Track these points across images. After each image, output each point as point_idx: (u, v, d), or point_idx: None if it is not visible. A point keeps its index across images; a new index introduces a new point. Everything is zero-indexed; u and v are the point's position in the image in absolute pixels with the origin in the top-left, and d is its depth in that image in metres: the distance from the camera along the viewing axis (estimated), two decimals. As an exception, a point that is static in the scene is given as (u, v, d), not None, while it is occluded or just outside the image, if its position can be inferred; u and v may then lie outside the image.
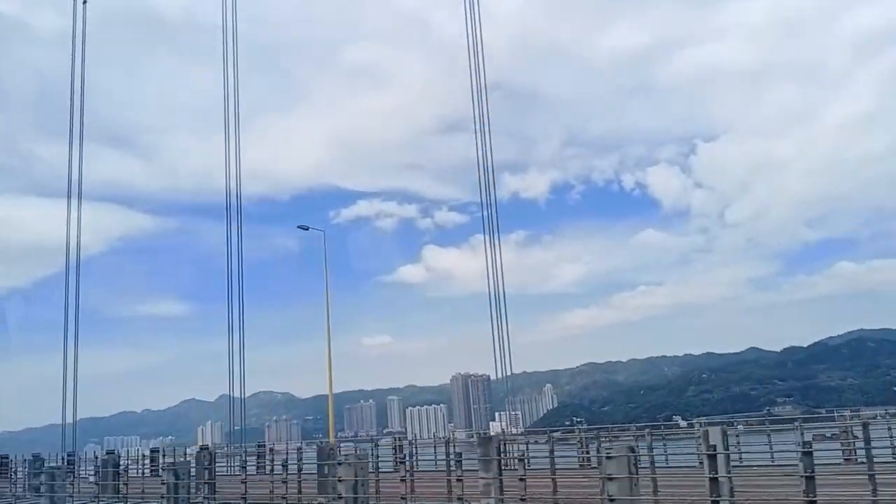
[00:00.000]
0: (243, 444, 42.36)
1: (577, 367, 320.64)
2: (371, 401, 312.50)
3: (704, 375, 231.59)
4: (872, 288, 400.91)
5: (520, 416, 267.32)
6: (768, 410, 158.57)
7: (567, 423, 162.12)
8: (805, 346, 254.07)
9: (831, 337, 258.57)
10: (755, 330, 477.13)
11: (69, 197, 31.79)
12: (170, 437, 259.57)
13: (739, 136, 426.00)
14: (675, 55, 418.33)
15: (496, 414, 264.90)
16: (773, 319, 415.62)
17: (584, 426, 50.31)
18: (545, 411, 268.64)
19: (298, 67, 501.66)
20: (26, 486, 28.69)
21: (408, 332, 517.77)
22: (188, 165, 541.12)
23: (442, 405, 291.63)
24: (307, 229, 42.56)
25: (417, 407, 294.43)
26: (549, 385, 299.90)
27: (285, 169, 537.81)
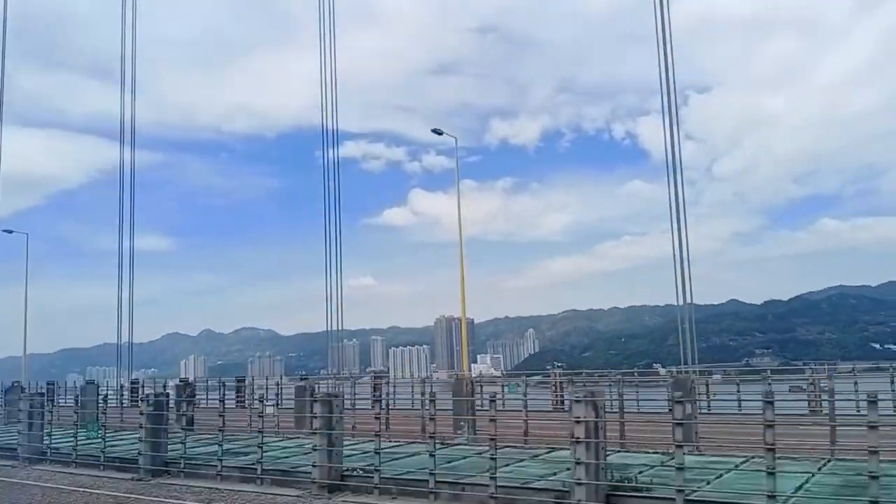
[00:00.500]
0: (221, 379, 41.63)
1: (560, 313, 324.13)
2: (354, 340, 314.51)
3: (685, 326, 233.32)
4: (854, 245, 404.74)
5: (501, 359, 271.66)
6: (747, 361, 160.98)
7: (548, 367, 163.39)
8: (785, 300, 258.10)
9: (811, 292, 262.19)
10: (737, 283, 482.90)
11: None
12: (152, 370, 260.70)
13: (733, 88, 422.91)
14: (673, 3, 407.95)
15: (478, 356, 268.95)
16: (755, 273, 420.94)
17: (562, 370, 50.18)
18: (527, 355, 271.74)
19: (288, 2, 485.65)
20: (5, 414, 28.10)
21: (391, 275, 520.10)
22: (174, 99, 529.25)
23: (425, 346, 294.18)
24: (441, 134, 39.84)
25: (400, 347, 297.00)
26: (531, 330, 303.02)
27: (273, 106, 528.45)
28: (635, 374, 40.30)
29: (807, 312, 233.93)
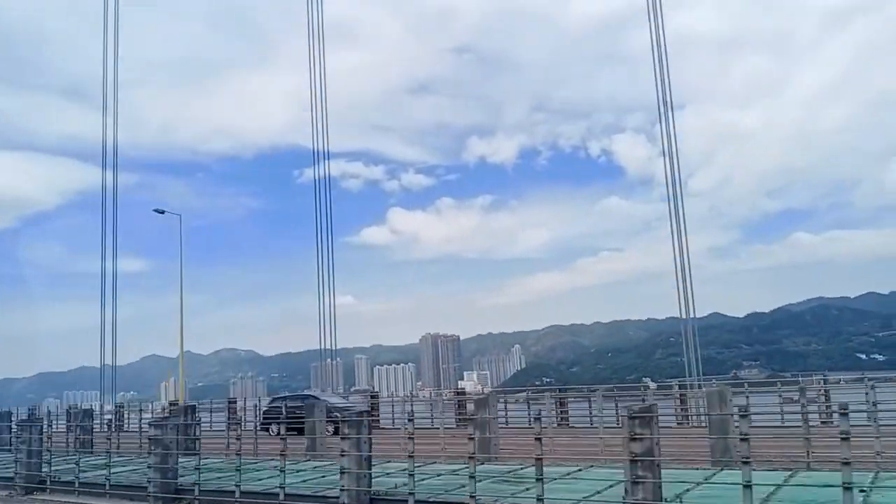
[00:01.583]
0: (210, 400, 40.14)
1: (543, 329, 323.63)
2: (339, 359, 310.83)
3: (672, 339, 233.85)
4: (829, 258, 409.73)
5: (488, 375, 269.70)
6: (735, 373, 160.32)
7: (537, 382, 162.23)
8: (766, 311, 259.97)
9: (791, 304, 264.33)
10: (716, 296, 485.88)
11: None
12: (132, 393, 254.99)
13: (706, 105, 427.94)
14: (646, 22, 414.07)
15: (464, 373, 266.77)
16: (732, 286, 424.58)
17: (551, 386, 49.87)
18: (515, 371, 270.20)
19: (266, 22, 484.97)
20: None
21: (371, 294, 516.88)
22: (150, 120, 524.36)
23: (410, 364, 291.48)
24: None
25: (385, 366, 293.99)
26: (517, 346, 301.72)
27: (251, 126, 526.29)
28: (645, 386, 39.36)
29: (791, 324, 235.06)
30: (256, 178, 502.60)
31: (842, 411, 8.85)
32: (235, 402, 41.61)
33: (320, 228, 25.38)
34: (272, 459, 14.52)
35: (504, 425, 26.32)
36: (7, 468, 19.02)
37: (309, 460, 18.20)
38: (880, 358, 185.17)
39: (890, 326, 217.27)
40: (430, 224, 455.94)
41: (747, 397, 23.48)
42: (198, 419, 23.74)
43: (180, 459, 15.55)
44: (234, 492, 13.93)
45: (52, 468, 17.73)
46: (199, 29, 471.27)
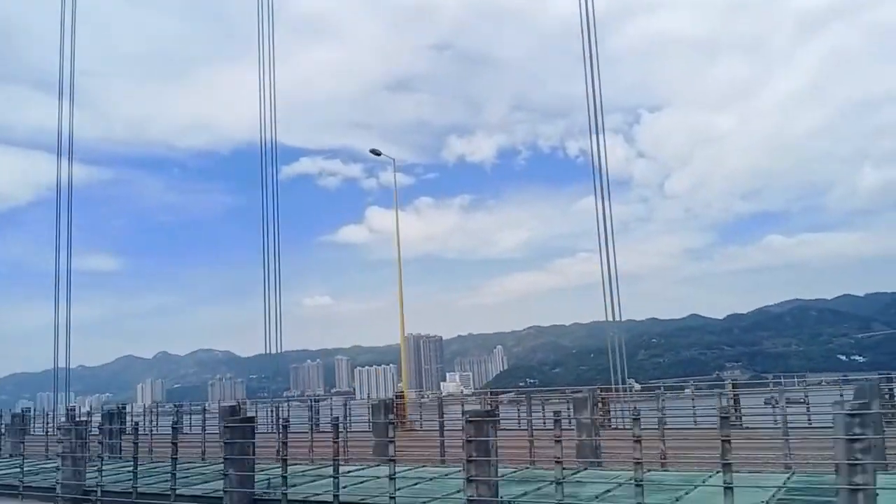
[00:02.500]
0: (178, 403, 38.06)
1: (523, 330, 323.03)
2: (318, 360, 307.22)
3: (654, 340, 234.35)
4: (802, 260, 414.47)
5: (470, 376, 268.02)
6: (717, 375, 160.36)
7: (521, 384, 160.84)
8: (744, 313, 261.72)
9: (768, 306, 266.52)
10: (693, 298, 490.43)
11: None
12: (106, 395, 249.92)
13: (683, 107, 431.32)
14: (625, 23, 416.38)
15: (447, 374, 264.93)
16: (709, 288, 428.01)
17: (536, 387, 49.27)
18: (498, 372, 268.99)
19: (244, 17, 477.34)
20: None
21: (349, 294, 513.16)
22: (124, 114, 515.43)
23: (391, 365, 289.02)
24: (379, 154, 39.35)
25: (366, 367, 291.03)
26: (499, 346, 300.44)
27: (227, 121, 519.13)
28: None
29: (771, 325, 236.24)
30: (232, 174, 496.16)
31: (634, 416, 9.66)
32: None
33: (267, 228, 24.35)
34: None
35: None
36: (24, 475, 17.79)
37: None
38: (860, 359, 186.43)
39: (869, 328, 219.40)
40: (408, 223, 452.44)
41: (720, 399, 23.31)
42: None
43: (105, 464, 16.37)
44: (131, 493, 14.94)
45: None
46: (174, 23, 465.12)
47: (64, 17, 28.36)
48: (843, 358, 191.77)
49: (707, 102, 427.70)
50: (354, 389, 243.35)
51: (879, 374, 27.86)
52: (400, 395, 38.19)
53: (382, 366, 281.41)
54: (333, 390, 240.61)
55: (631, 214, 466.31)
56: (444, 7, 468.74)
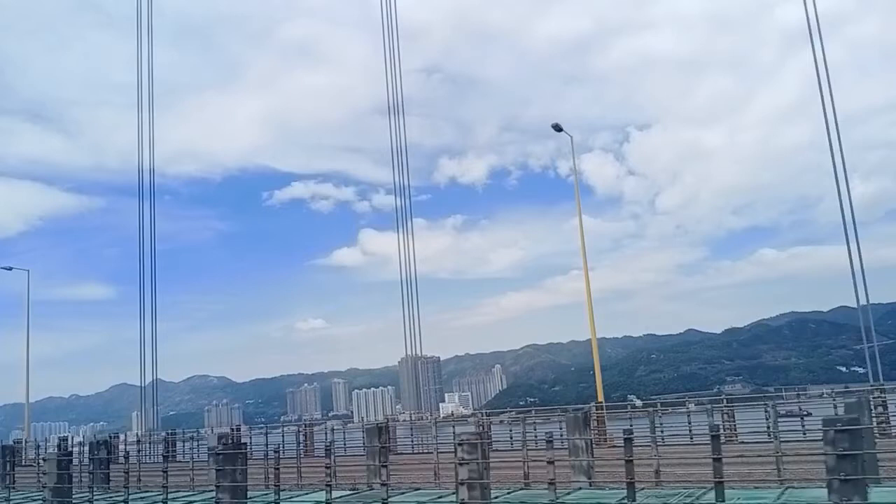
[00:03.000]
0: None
1: (520, 348, 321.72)
2: (315, 384, 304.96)
3: (653, 356, 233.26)
4: (794, 274, 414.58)
5: (469, 397, 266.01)
6: (718, 389, 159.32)
7: (521, 403, 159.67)
8: (742, 326, 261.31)
9: (765, 319, 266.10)
10: (689, 313, 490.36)
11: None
12: (101, 423, 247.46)
13: (671, 125, 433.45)
14: (612, 43, 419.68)
15: (446, 395, 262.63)
16: (704, 303, 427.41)
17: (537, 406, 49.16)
18: (498, 392, 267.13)
19: (233, 44, 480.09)
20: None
21: (343, 317, 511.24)
22: (114, 142, 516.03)
23: (389, 387, 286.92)
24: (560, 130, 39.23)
25: (364, 390, 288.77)
26: (498, 366, 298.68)
27: (218, 148, 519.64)
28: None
29: (769, 338, 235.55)
30: (224, 201, 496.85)
31: (626, 437, 9.79)
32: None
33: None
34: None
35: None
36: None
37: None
38: (861, 370, 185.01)
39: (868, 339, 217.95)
40: (400, 244, 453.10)
41: (712, 415, 23.46)
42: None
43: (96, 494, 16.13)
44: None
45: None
46: (165, 51, 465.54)
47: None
48: (844, 369, 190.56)
49: (695, 119, 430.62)
50: (352, 412, 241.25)
51: (871, 385, 27.42)
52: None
53: (380, 388, 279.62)
54: (331, 414, 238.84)
55: (623, 231, 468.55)
56: (432, 31, 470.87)
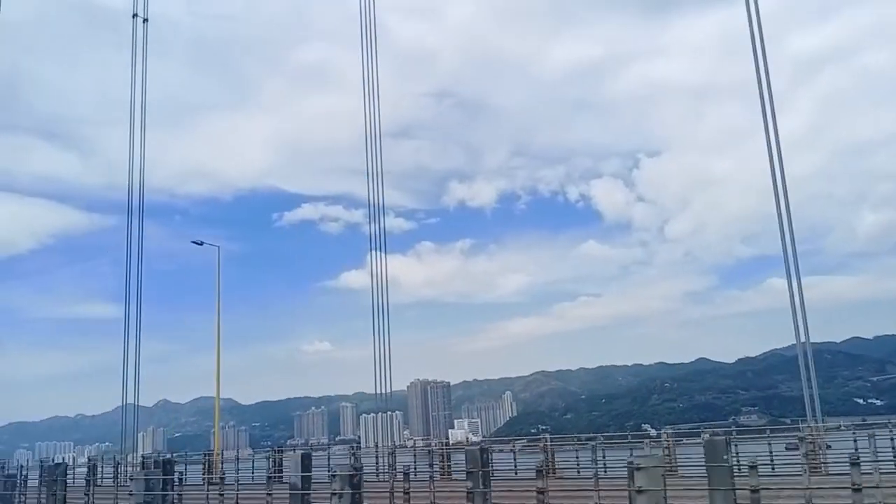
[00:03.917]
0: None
1: (530, 375, 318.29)
2: (323, 407, 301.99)
3: (667, 384, 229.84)
4: (805, 304, 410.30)
5: (479, 423, 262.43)
6: (734, 420, 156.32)
7: (533, 430, 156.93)
8: (754, 356, 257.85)
9: (778, 349, 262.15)
10: (700, 341, 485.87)
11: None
12: (107, 444, 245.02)
13: (681, 152, 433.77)
14: (622, 71, 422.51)
15: (455, 421, 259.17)
16: (714, 331, 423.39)
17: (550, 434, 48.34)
18: (508, 418, 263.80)
19: (247, 66, 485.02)
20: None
21: (349, 339, 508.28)
22: (126, 161, 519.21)
23: (398, 412, 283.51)
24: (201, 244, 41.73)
25: (371, 414, 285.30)
26: (508, 392, 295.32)
27: (229, 169, 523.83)
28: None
29: (784, 369, 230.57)
30: (234, 221, 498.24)
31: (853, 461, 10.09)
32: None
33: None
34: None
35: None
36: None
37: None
38: (878, 402, 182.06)
39: (884, 371, 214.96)
40: (409, 268, 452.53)
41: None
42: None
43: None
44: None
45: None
46: (178, 70, 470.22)
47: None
48: (861, 401, 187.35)
49: (705, 146, 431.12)
50: (359, 437, 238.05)
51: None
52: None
53: (388, 413, 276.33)
54: (338, 438, 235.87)
55: (631, 258, 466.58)
56: (443, 56, 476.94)
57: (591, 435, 40.86)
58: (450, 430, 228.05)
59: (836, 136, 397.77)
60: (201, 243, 40.72)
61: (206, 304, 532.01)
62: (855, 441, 25.46)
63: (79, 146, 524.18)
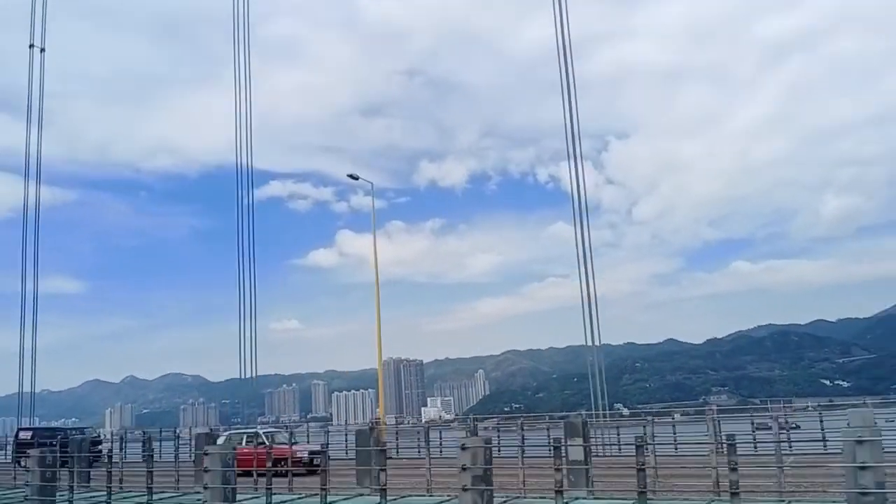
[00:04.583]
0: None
1: (500, 354, 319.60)
2: (294, 385, 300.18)
3: (637, 364, 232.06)
4: (768, 287, 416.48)
5: (452, 401, 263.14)
6: (704, 400, 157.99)
7: (506, 409, 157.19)
8: (721, 337, 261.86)
9: (745, 330, 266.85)
10: (667, 323, 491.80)
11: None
12: (73, 419, 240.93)
13: (650, 135, 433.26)
14: (593, 52, 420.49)
15: (428, 399, 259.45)
16: (681, 313, 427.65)
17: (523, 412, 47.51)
18: (482, 397, 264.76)
19: (213, 40, 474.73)
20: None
21: (318, 318, 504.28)
22: (89, 136, 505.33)
23: (370, 390, 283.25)
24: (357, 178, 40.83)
25: (344, 392, 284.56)
26: (481, 371, 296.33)
27: (196, 144, 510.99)
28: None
29: (752, 350, 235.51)
30: (200, 197, 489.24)
31: (638, 444, 10.21)
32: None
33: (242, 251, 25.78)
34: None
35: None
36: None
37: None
38: (844, 384, 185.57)
39: (849, 353, 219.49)
40: (380, 247, 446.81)
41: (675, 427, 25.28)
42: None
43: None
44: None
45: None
46: (140, 44, 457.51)
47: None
48: (827, 383, 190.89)
49: (674, 130, 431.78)
50: (331, 415, 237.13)
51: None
52: (377, 421, 36.47)
53: (361, 390, 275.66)
54: (309, 416, 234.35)
55: (599, 240, 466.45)
56: (414, 34, 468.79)
57: (565, 414, 40.41)
58: (422, 409, 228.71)
59: (803, 121, 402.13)
60: (357, 178, 40.04)
61: (172, 280, 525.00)
62: (821, 422, 25.81)
63: (33, 118, 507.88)
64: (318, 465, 17.39)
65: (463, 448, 10.71)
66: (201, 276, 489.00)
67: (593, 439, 23.94)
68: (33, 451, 16.01)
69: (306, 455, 23.40)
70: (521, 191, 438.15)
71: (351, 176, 39.97)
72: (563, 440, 12.83)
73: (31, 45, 29.75)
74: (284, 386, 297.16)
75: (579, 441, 14.44)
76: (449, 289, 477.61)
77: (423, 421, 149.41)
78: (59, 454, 16.60)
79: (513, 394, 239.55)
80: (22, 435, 31.56)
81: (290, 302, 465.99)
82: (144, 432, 38.58)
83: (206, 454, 12.87)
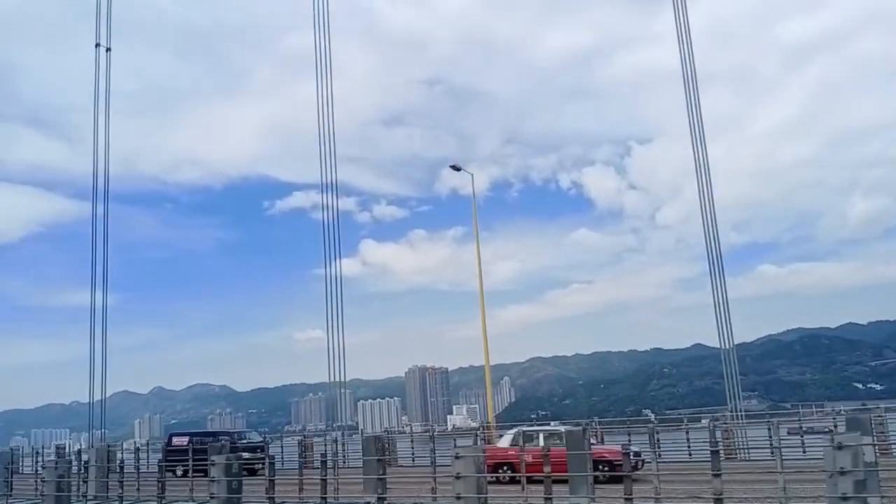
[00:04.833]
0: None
1: (525, 361, 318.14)
2: (320, 393, 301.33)
3: (665, 370, 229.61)
4: (795, 290, 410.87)
5: (478, 409, 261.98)
6: (734, 405, 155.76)
7: (533, 416, 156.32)
8: (750, 341, 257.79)
9: (774, 334, 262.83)
10: (693, 327, 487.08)
11: None
12: (103, 431, 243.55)
13: (672, 139, 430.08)
14: (614, 58, 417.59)
15: (453, 407, 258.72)
16: (708, 317, 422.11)
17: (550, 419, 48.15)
18: (507, 404, 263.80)
19: (236, 53, 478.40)
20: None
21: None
22: (114, 149, 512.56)
23: (396, 398, 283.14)
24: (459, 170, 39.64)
25: (370, 400, 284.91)
26: (506, 378, 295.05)
27: (220, 156, 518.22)
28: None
29: (781, 354, 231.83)
30: (226, 209, 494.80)
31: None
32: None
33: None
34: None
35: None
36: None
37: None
38: (877, 387, 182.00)
39: (881, 356, 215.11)
40: (401, 256, 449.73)
41: (713, 433, 22.53)
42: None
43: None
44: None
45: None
46: (166, 58, 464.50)
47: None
48: (860, 386, 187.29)
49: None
50: (357, 423, 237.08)
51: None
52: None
53: (386, 399, 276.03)
54: (336, 424, 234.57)
55: (622, 245, 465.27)
56: (435, 43, 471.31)
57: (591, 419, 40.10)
58: (448, 416, 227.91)
59: (827, 122, 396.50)
60: (459, 169, 39.21)
61: (197, 291, 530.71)
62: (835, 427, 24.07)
63: (67, 134, 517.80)
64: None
65: (457, 457, 10.96)
66: (225, 287, 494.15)
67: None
68: (217, 458, 14.96)
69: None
70: (543, 197, 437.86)
71: (453, 167, 39.73)
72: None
73: (97, 45, 29.48)
74: (311, 395, 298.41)
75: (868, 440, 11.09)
76: (471, 296, 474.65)
77: (450, 429, 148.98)
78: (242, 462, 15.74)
79: (539, 401, 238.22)
80: (176, 441, 30.84)
81: (315, 311, 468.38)
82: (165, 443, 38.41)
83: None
